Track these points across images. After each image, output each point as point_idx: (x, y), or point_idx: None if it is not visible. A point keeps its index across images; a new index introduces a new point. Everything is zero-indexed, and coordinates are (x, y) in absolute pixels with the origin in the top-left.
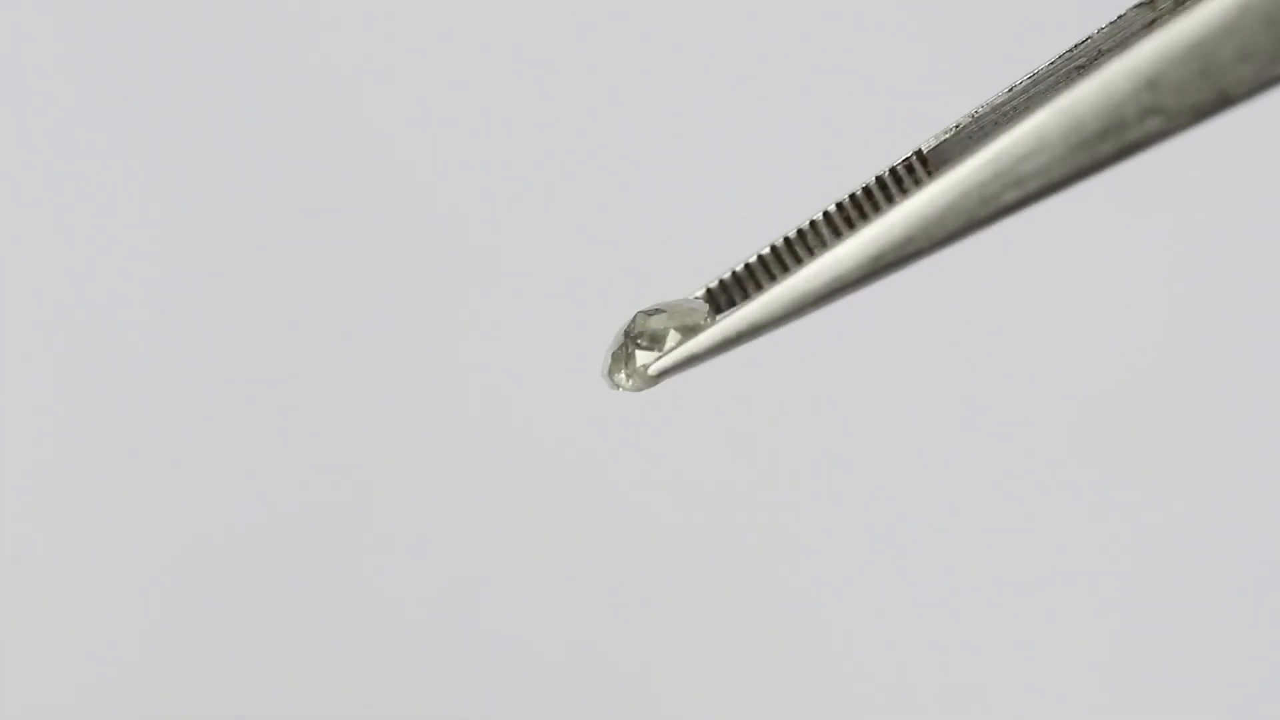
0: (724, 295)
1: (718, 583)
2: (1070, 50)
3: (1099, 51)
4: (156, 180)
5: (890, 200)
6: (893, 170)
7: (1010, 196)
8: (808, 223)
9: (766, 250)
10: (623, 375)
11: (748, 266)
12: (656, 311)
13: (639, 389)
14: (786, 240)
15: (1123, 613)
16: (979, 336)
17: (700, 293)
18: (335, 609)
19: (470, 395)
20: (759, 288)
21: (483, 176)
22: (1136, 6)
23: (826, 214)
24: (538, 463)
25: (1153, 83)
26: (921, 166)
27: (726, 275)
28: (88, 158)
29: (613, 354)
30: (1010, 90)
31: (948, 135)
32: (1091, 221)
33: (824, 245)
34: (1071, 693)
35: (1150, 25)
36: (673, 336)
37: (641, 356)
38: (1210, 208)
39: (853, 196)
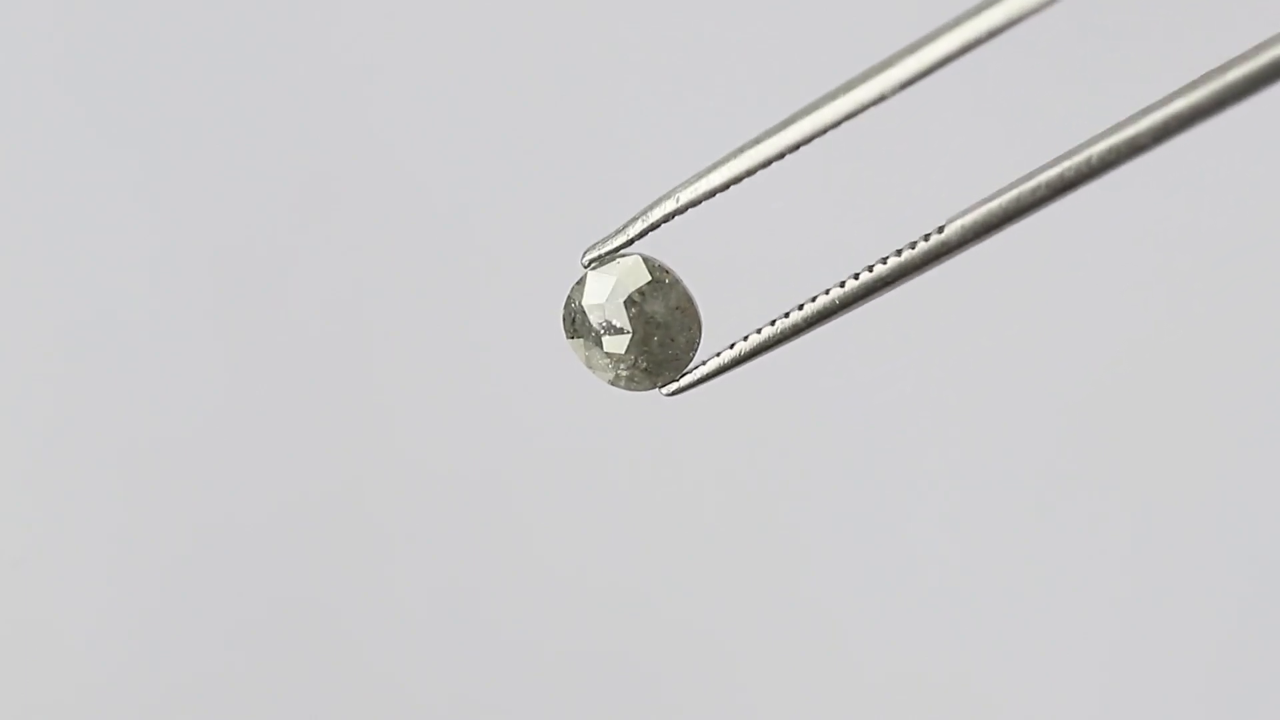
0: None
1: (723, 582)
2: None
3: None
4: (155, 175)
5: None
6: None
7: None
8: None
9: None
10: (609, 365)
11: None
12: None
13: (635, 387)
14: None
15: (1125, 613)
16: (980, 338)
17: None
18: (338, 608)
19: (476, 393)
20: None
21: (489, 172)
22: None
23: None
24: (543, 462)
25: None
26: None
27: (655, 217)
28: (86, 156)
29: (586, 344)
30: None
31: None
32: (1085, 217)
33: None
34: (1072, 692)
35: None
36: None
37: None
38: (1205, 202)
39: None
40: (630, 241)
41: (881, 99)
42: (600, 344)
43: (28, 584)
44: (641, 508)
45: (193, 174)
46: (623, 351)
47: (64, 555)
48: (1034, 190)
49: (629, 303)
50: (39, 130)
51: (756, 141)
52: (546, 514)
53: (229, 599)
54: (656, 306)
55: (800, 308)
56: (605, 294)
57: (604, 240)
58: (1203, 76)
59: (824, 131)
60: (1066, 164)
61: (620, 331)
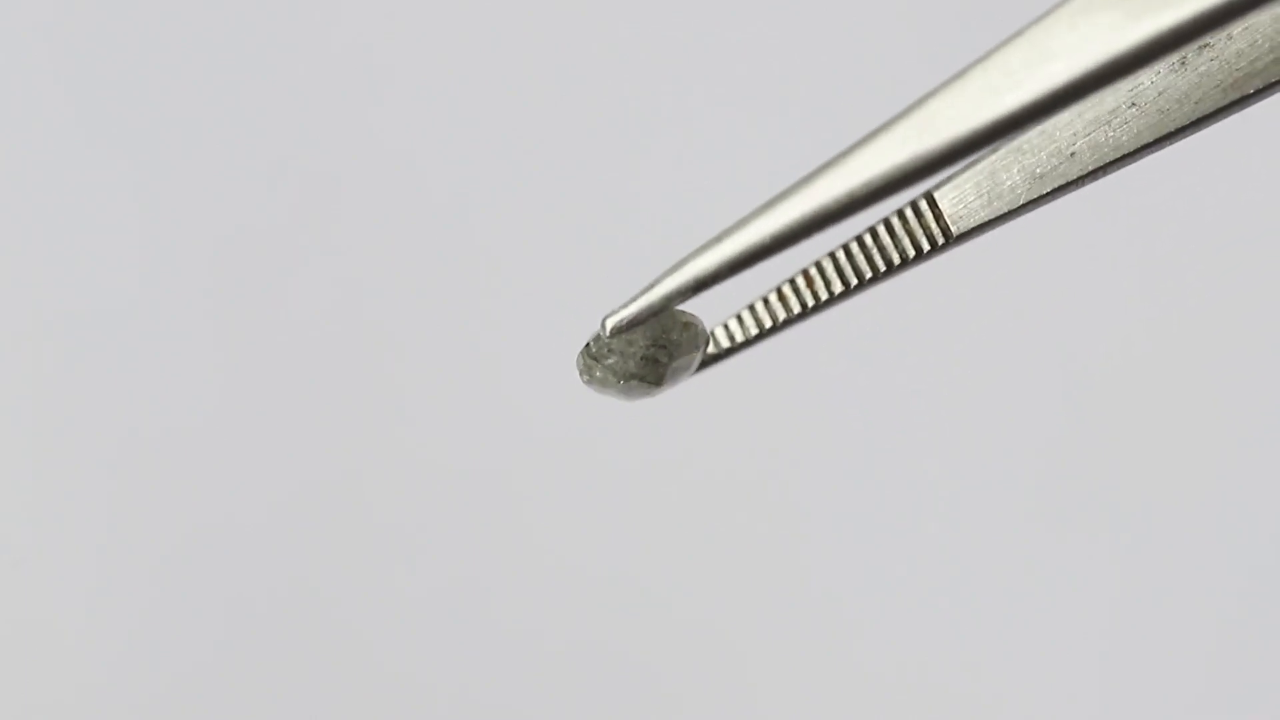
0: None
1: (724, 580)
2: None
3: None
4: (155, 173)
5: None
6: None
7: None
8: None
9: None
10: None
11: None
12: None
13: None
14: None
15: (1125, 613)
16: (982, 337)
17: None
18: (339, 606)
19: (477, 388)
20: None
21: (495, 169)
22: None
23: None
24: (547, 459)
25: None
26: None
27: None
28: (85, 153)
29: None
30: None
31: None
32: (1089, 216)
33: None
34: (1071, 695)
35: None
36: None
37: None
38: (1184, 221)
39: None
40: (655, 314)
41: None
42: (627, 392)
43: (26, 582)
44: (645, 504)
45: (192, 171)
46: (641, 393)
47: (63, 553)
48: (1043, 195)
49: (651, 361)
50: (38, 127)
51: (795, 190)
52: (551, 510)
53: (227, 597)
54: (681, 360)
55: (800, 300)
56: (636, 358)
57: (626, 306)
58: (1209, 82)
59: (889, 190)
60: (1077, 172)
61: (649, 382)
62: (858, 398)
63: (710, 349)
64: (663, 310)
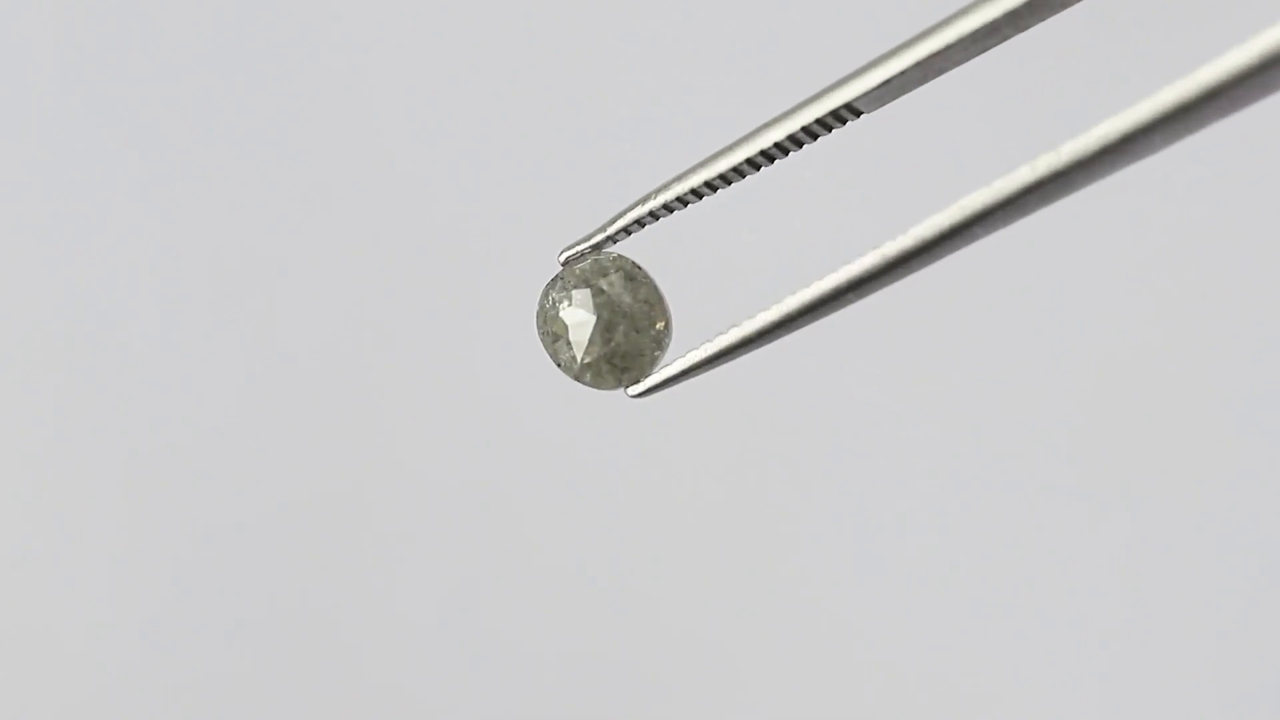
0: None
1: (719, 585)
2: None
3: None
4: (156, 176)
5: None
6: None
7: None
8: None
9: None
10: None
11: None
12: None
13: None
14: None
15: (1125, 615)
16: (979, 336)
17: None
18: (339, 611)
19: (473, 394)
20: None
21: (485, 174)
22: None
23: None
24: (539, 463)
25: None
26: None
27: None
28: (87, 157)
29: (564, 354)
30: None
31: None
32: (1086, 214)
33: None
34: (1072, 694)
35: None
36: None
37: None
38: (1207, 201)
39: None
40: (607, 240)
41: (856, 106)
42: (565, 333)
43: (27, 588)
44: (638, 508)
45: (193, 169)
46: (585, 338)
47: (64, 560)
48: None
49: (596, 290)
50: (40, 132)
51: (733, 147)
52: (547, 516)
53: (228, 602)
54: (624, 298)
55: (769, 309)
56: (573, 283)
57: (582, 240)
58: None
59: (799, 142)
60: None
61: (585, 319)
62: (857, 397)
63: (681, 364)
64: (613, 239)
